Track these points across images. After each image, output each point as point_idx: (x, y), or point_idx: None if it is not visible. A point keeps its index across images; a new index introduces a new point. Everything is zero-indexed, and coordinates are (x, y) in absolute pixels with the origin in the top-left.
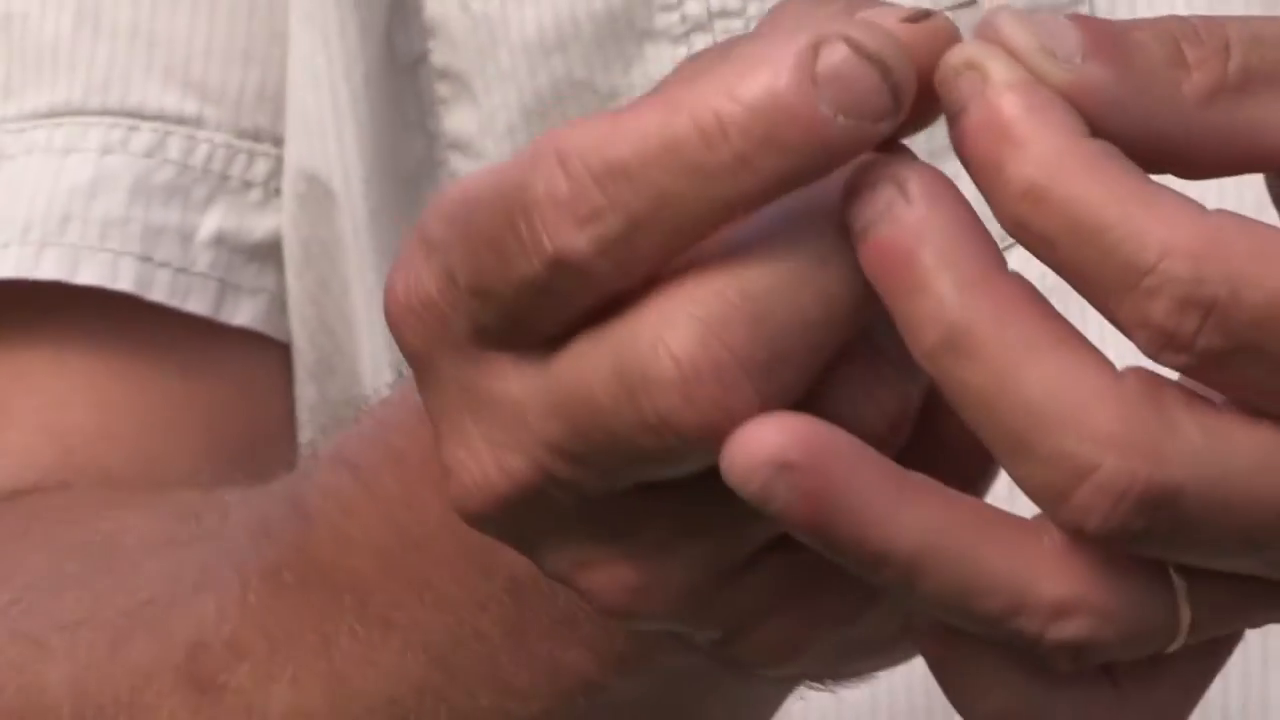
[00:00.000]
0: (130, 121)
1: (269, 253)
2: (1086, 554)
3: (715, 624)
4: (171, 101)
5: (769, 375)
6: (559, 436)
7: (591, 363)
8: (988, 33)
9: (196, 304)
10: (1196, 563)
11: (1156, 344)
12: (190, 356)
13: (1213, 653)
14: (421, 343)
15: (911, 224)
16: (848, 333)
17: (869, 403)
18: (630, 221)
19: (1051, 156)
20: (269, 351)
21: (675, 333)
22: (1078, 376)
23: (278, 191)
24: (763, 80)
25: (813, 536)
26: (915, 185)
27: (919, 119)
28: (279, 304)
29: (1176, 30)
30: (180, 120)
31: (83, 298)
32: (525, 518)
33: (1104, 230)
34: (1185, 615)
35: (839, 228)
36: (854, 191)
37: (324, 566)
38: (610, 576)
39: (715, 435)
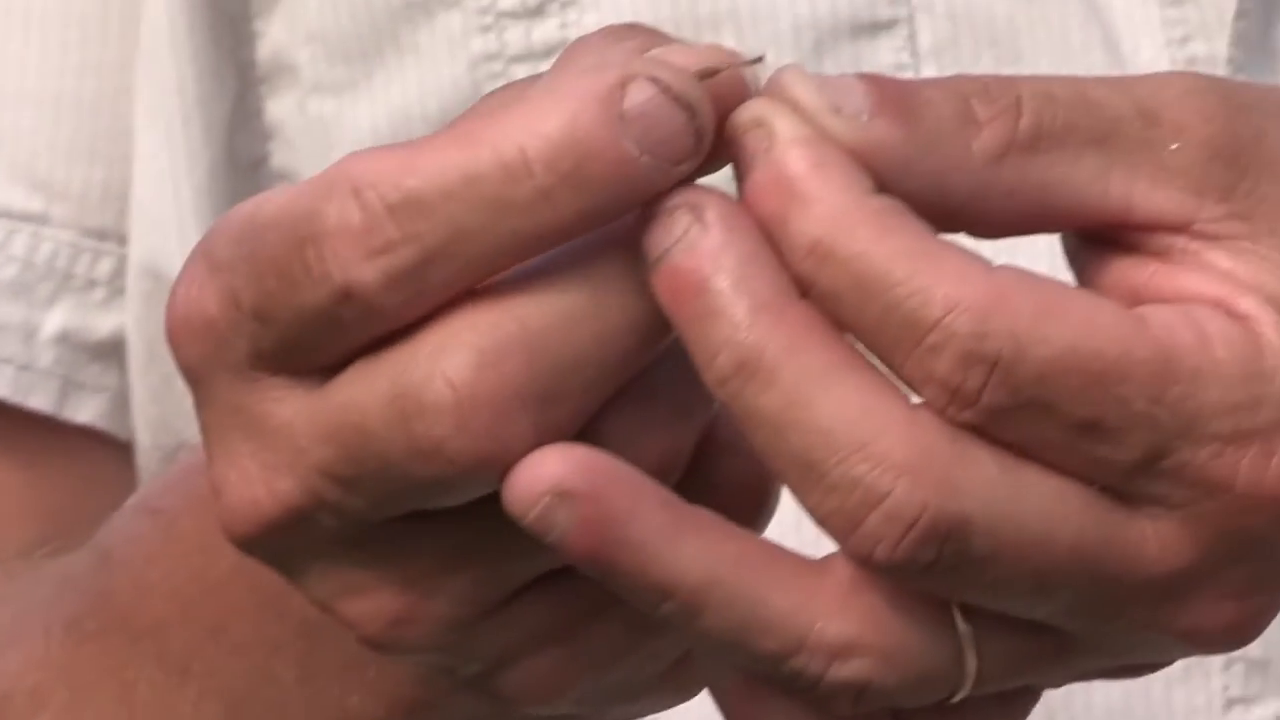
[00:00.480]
0: None
1: (112, 351)
2: (870, 594)
3: (478, 658)
4: (17, 198)
5: (544, 408)
6: (330, 460)
7: (367, 387)
8: (775, 90)
9: (39, 401)
10: (986, 603)
11: (943, 400)
12: (32, 452)
13: (1006, 709)
14: (198, 361)
15: (706, 250)
16: (626, 372)
17: (641, 441)
18: (423, 255)
19: (836, 213)
20: (111, 449)
21: (453, 360)
22: (871, 404)
23: (122, 290)
24: (568, 115)
25: (593, 566)
26: (711, 212)
27: (708, 165)
28: (121, 402)
29: (967, 88)
30: (25, 217)
31: None
32: (292, 541)
33: (888, 287)
34: (971, 663)
35: (624, 266)
36: (651, 219)
37: (124, 613)
38: (373, 605)
39: (487, 465)
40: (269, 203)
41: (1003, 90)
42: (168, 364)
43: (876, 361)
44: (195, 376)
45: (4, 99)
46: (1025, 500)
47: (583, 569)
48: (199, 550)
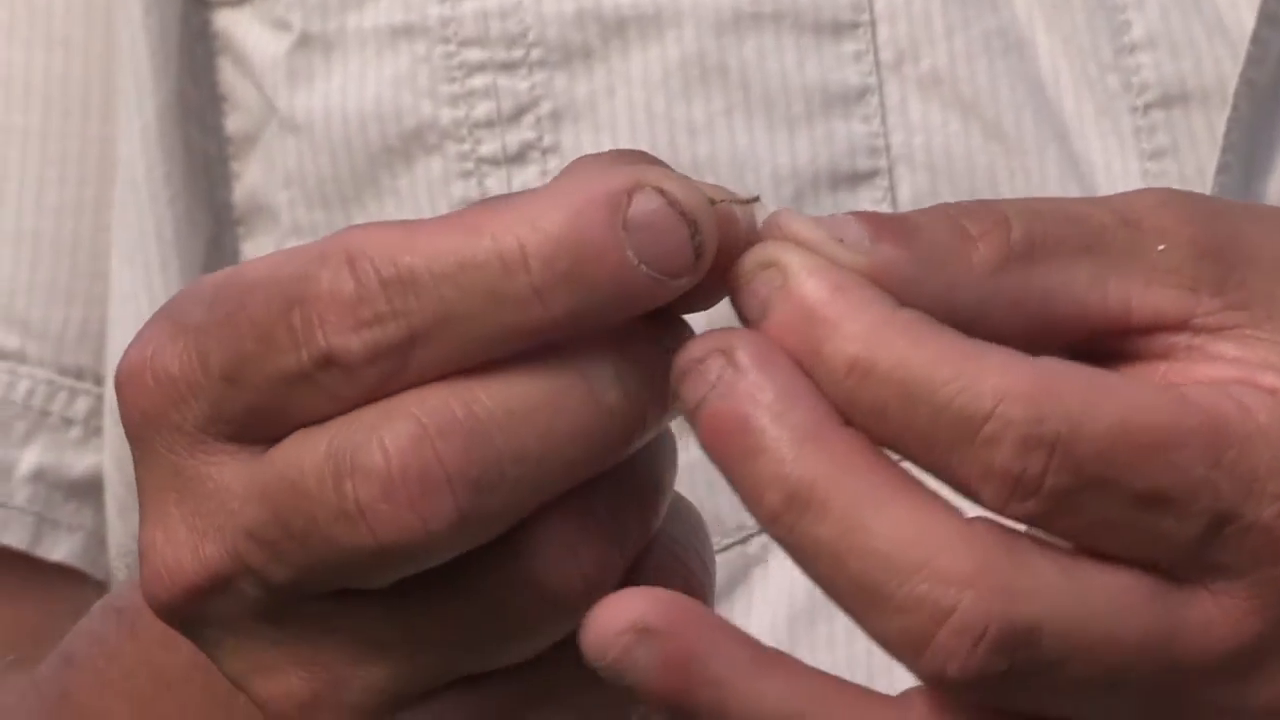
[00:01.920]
0: None
1: (88, 490)
2: None
3: None
4: None
5: (474, 494)
6: (259, 521)
7: (308, 446)
8: (775, 230)
9: (14, 538)
10: (1061, 715)
11: (1004, 493)
12: (6, 588)
13: None
14: (146, 419)
15: (743, 390)
16: (567, 480)
17: (569, 559)
18: (410, 333)
19: (868, 329)
20: (87, 587)
21: (392, 429)
22: (926, 522)
23: (98, 430)
24: (571, 214)
25: (672, 705)
26: (742, 352)
27: (701, 294)
28: (97, 541)
29: (954, 211)
30: (2, 355)
31: None
32: (210, 611)
33: (935, 388)
34: None
35: (582, 373)
36: (684, 373)
37: (84, 711)
38: (284, 687)
39: (407, 539)
40: (252, 268)
41: (988, 210)
42: None
43: (925, 480)
44: (139, 434)
45: None
46: (1089, 598)
47: (658, 710)
48: (160, 646)
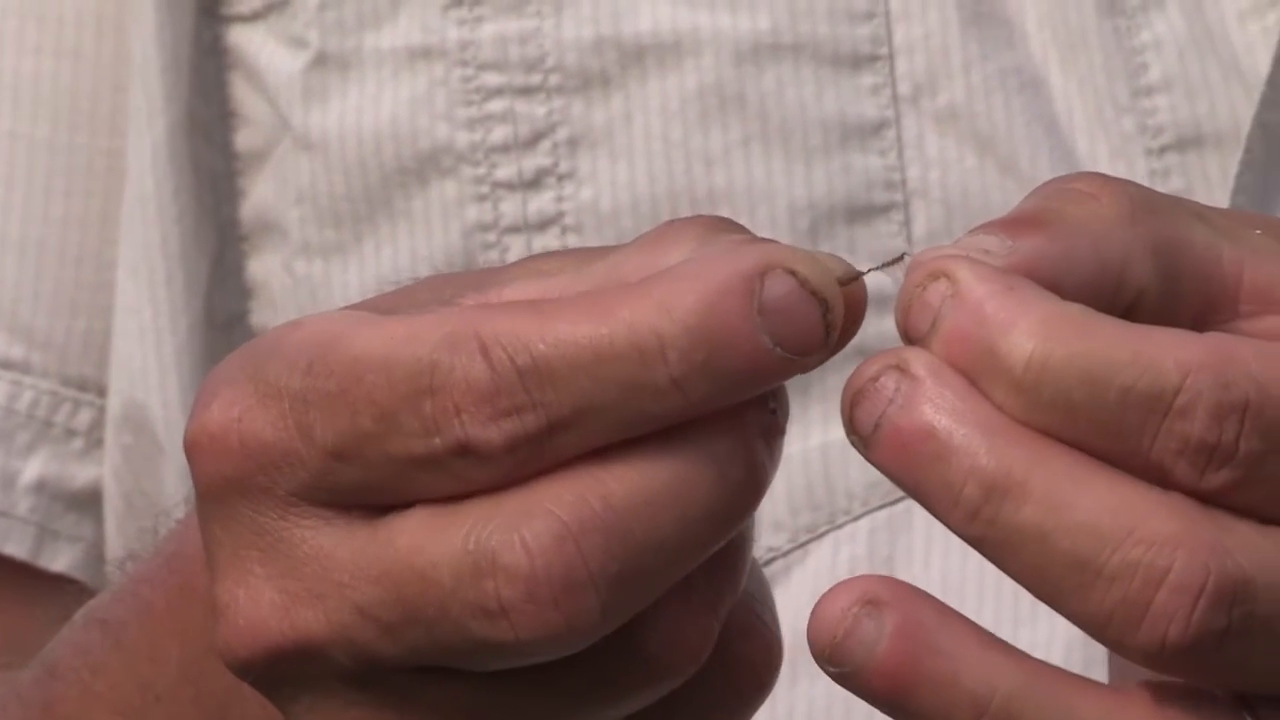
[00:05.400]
0: None
1: (89, 502)
2: (1176, 711)
3: None
4: None
5: (615, 588)
6: (378, 602)
7: (440, 536)
8: (922, 264)
9: (15, 547)
10: (1272, 682)
11: (1201, 464)
12: (6, 597)
13: None
14: (227, 482)
15: (924, 398)
16: (698, 560)
17: (677, 635)
18: (549, 424)
19: (1041, 325)
20: (86, 599)
21: (534, 526)
22: (1127, 493)
23: (99, 442)
24: (707, 302)
25: (902, 682)
26: (915, 363)
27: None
28: (97, 553)
29: (1058, 183)
30: (6, 365)
31: None
32: (294, 672)
33: (1118, 370)
34: None
35: (711, 452)
36: (859, 394)
37: None
38: None
39: (547, 637)
40: (362, 341)
41: (1089, 175)
42: (146, 517)
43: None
44: (218, 495)
45: None
46: None
47: (883, 691)
48: (148, 660)
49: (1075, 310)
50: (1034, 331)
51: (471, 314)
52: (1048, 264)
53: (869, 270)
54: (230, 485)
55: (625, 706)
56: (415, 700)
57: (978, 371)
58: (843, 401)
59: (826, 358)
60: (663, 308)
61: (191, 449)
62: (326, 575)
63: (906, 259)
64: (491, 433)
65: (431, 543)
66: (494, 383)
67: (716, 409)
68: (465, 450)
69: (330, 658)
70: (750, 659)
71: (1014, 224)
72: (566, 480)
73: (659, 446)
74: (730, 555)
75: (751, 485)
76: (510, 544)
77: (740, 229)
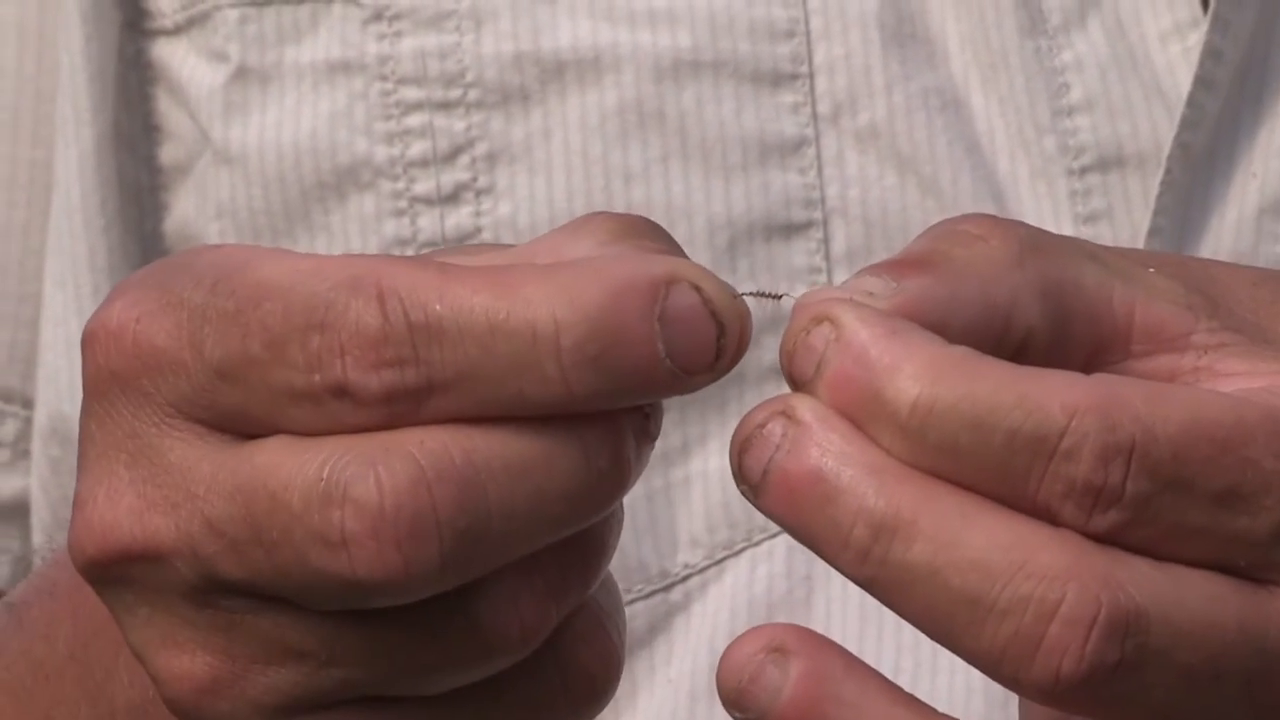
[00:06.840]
0: None
1: (14, 513)
2: None
3: None
4: None
5: (459, 544)
6: (225, 516)
7: (297, 460)
8: (806, 305)
9: None
10: (1164, 713)
11: (1087, 506)
12: None
13: None
14: (113, 378)
15: (811, 442)
16: (546, 539)
17: (510, 607)
18: (428, 383)
19: (926, 368)
20: None
21: (392, 464)
22: (1018, 529)
23: (26, 453)
24: (610, 298)
25: None
26: (804, 410)
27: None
28: (24, 565)
29: (946, 225)
30: None
31: None
32: (136, 577)
33: (1005, 413)
34: None
35: (578, 436)
36: (746, 441)
37: None
38: (185, 666)
39: (382, 577)
40: (269, 267)
41: (979, 217)
42: None
43: None
44: (102, 390)
45: None
46: (1184, 589)
47: None
48: (43, 639)
49: (960, 353)
50: (919, 375)
51: (378, 262)
52: (933, 305)
53: (748, 294)
54: (116, 381)
55: (449, 674)
56: (246, 630)
57: (864, 416)
58: (730, 451)
59: (710, 381)
60: (566, 293)
61: (88, 340)
62: (184, 486)
63: (786, 300)
64: (371, 380)
65: (287, 465)
66: (383, 331)
67: (593, 411)
68: (342, 392)
69: (174, 567)
70: (588, 666)
71: (900, 265)
72: (434, 431)
73: (532, 419)
74: (586, 549)
75: (614, 477)
76: (364, 477)
77: (661, 234)
